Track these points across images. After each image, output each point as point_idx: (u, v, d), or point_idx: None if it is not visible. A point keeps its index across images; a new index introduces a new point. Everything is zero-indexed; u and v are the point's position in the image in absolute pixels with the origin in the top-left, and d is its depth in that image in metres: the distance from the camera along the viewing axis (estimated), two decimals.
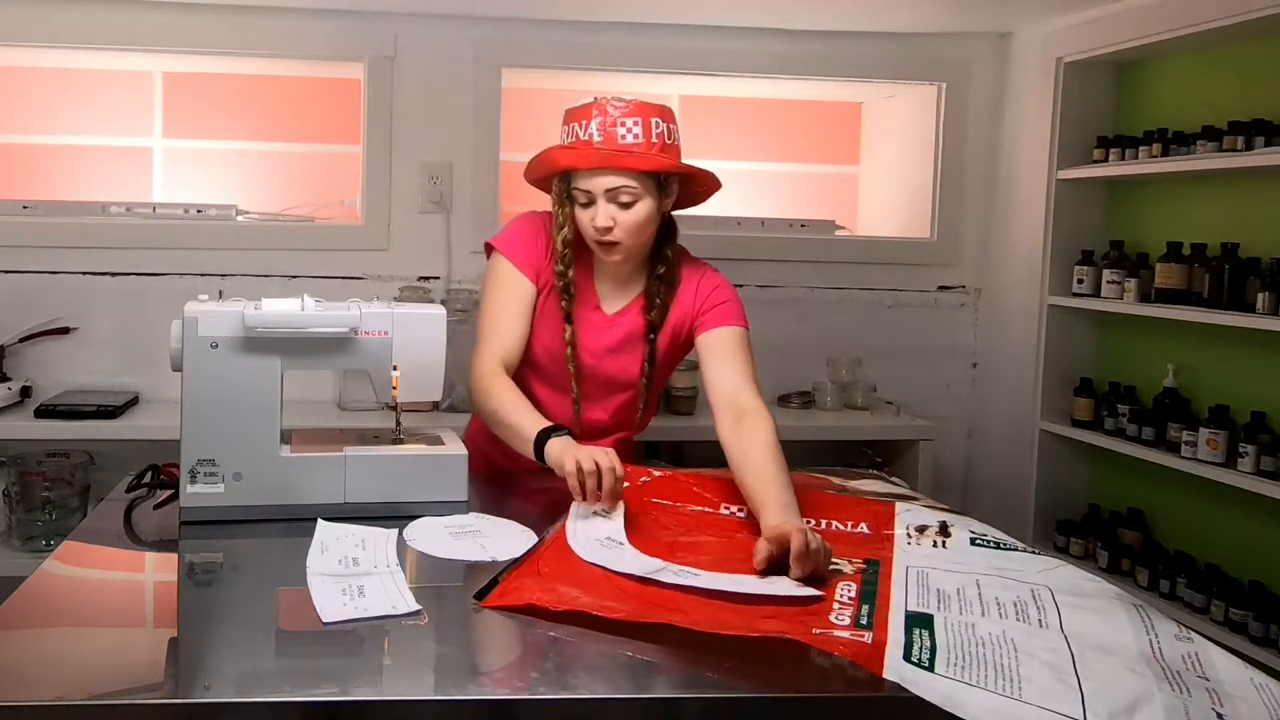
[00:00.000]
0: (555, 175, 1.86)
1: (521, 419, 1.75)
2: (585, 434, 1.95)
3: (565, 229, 1.86)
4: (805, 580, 1.36)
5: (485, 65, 3.11)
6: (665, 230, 1.92)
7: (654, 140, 1.78)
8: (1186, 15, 2.56)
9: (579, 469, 1.57)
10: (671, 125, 1.82)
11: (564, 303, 1.89)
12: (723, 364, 1.82)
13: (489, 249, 1.94)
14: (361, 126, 3.11)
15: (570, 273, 1.88)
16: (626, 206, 1.79)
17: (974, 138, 3.35)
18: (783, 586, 1.33)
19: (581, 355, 1.91)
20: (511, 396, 1.80)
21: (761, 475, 1.60)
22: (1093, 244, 2.97)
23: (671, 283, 1.92)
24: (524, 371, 1.94)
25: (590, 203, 1.81)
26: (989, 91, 3.33)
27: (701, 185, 1.92)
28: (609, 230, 1.80)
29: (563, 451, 1.63)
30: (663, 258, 1.92)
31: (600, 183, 1.78)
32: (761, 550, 1.40)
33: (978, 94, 3.33)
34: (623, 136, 1.76)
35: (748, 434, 1.68)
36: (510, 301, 1.88)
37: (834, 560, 1.44)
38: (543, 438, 1.69)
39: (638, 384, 1.94)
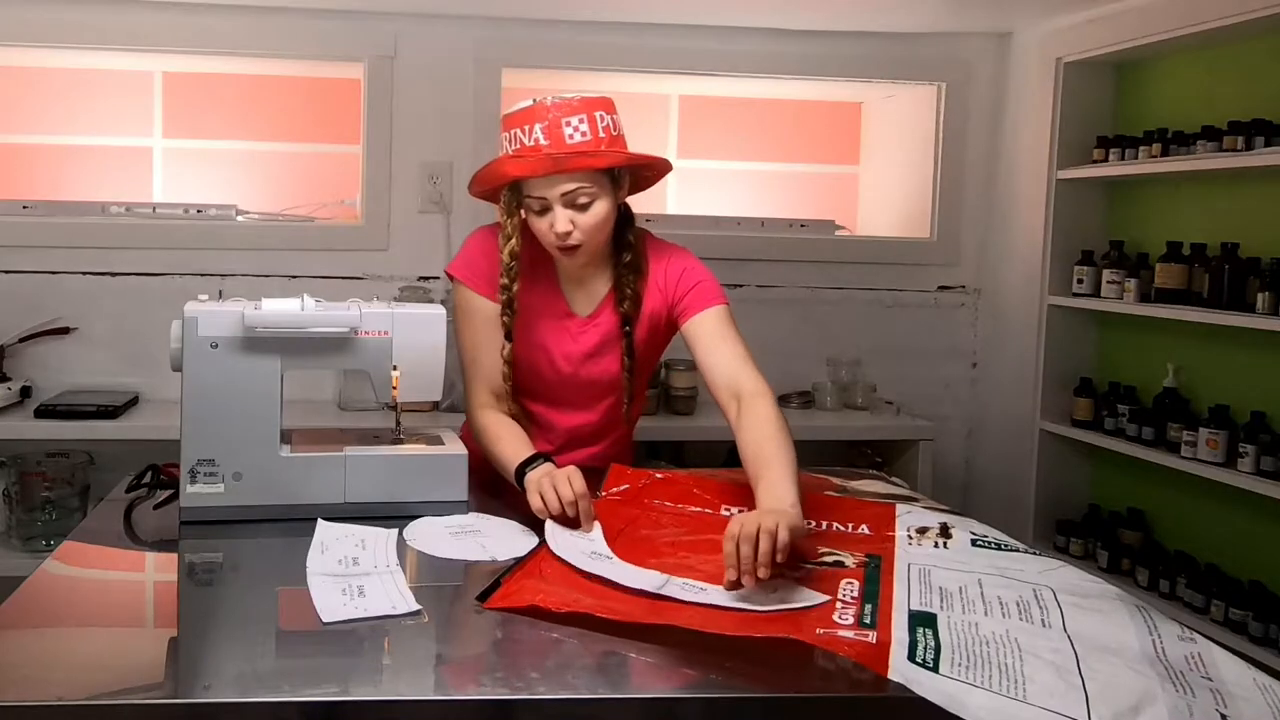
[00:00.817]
0: (504, 186, 1.79)
1: (505, 451, 1.74)
2: (578, 440, 1.93)
3: (513, 240, 1.79)
4: (788, 569, 1.35)
5: (485, 65, 3.11)
6: (623, 218, 1.86)
7: (601, 135, 1.70)
8: (1186, 15, 2.56)
9: (545, 506, 1.57)
10: (615, 116, 1.76)
11: (505, 318, 1.82)
12: (713, 350, 1.78)
13: (450, 276, 1.89)
14: (361, 126, 3.11)
15: (515, 287, 1.81)
16: (584, 208, 1.72)
17: (974, 138, 3.35)
18: (790, 597, 1.30)
19: (560, 364, 1.87)
20: (495, 429, 1.79)
21: (756, 461, 1.59)
22: (1093, 244, 2.97)
23: (639, 270, 1.86)
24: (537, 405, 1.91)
25: (546, 209, 1.74)
26: (989, 91, 3.33)
27: (652, 170, 1.86)
28: (570, 234, 1.73)
29: (530, 489, 1.62)
30: (626, 245, 1.85)
31: (555, 189, 1.71)
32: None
33: (978, 94, 3.33)
34: (570, 136, 1.68)
35: (746, 420, 1.67)
36: (481, 331, 1.84)
37: (836, 553, 1.44)
38: (521, 473, 1.67)
39: (621, 381, 1.90)
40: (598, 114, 1.71)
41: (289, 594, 1.34)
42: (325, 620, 1.22)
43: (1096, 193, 3.04)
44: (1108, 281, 2.84)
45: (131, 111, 3.21)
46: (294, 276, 3.07)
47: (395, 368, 1.66)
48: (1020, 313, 3.17)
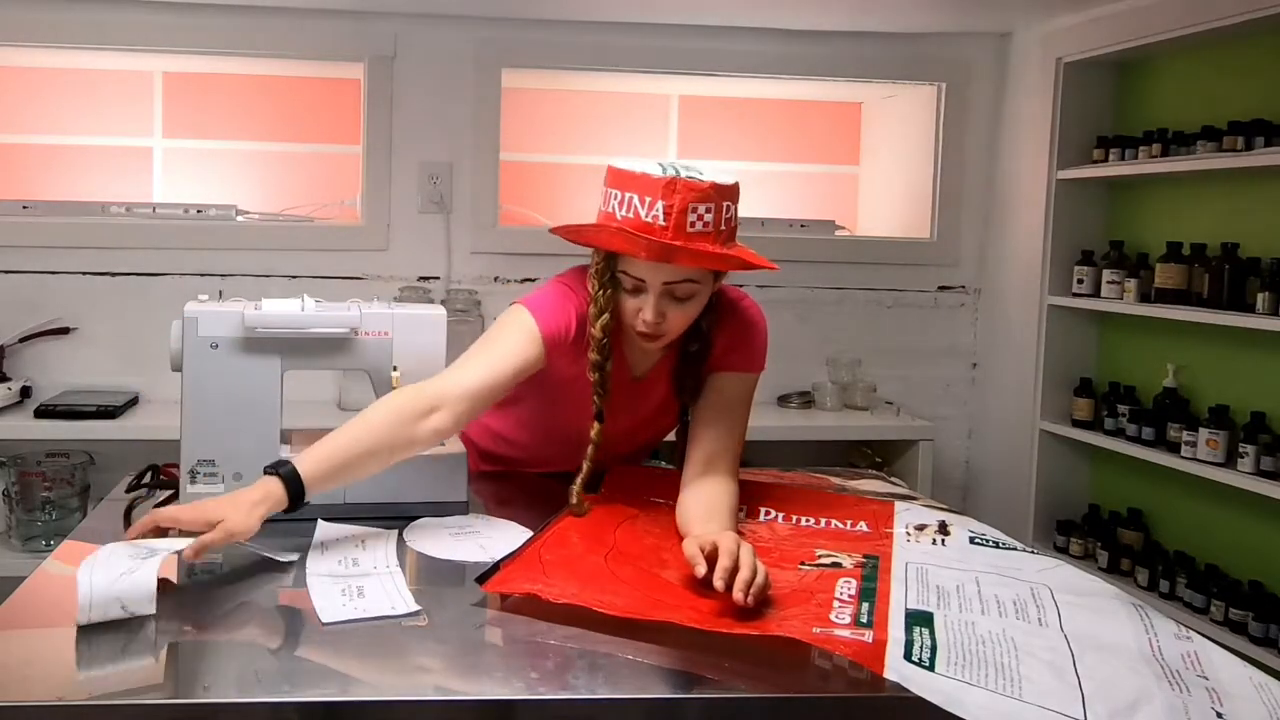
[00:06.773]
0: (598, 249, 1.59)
1: (316, 449, 1.46)
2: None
3: (606, 315, 1.58)
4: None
5: (485, 65, 3.11)
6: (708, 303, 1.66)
7: (723, 227, 1.51)
8: (1186, 15, 2.56)
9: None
10: (736, 204, 1.56)
11: (597, 398, 1.62)
12: (717, 418, 1.65)
13: (524, 307, 1.65)
14: (361, 126, 3.11)
15: (608, 366, 1.60)
16: (682, 300, 1.55)
17: (974, 138, 3.35)
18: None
19: (610, 428, 1.67)
20: (363, 423, 1.48)
21: (710, 517, 1.50)
22: (1093, 244, 2.97)
23: (702, 361, 1.69)
24: (549, 451, 1.81)
25: (640, 291, 1.55)
26: (989, 91, 3.33)
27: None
28: (658, 325, 1.55)
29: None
30: (698, 334, 1.65)
31: (659, 275, 1.52)
32: (694, 551, 1.31)
33: (978, 94, 3.33)
34: (693, 224, 1.48)
35: (713, 481, 1.58)
36: (510, 365, 1.58)
37: (833, 554, 1.45)
38: (269, 471, 1.43)
39: (660, 446, 1.83)
40: (725, 204, 1.51)
41: (289, 594, 1.34)
42: (325, 621, 1.22)
43: (1096, 193, 3.04)
44: (1108, 281, 2.84)
45: (131, 111, 3.22)
46: (294, 276, 3.07)
47: (395, 368, 1.66)
48: (1020, 313, 3.18)
